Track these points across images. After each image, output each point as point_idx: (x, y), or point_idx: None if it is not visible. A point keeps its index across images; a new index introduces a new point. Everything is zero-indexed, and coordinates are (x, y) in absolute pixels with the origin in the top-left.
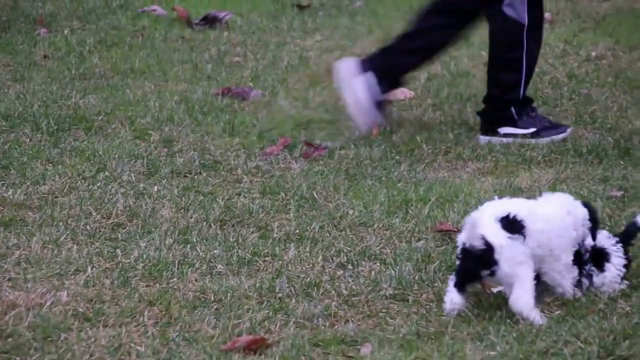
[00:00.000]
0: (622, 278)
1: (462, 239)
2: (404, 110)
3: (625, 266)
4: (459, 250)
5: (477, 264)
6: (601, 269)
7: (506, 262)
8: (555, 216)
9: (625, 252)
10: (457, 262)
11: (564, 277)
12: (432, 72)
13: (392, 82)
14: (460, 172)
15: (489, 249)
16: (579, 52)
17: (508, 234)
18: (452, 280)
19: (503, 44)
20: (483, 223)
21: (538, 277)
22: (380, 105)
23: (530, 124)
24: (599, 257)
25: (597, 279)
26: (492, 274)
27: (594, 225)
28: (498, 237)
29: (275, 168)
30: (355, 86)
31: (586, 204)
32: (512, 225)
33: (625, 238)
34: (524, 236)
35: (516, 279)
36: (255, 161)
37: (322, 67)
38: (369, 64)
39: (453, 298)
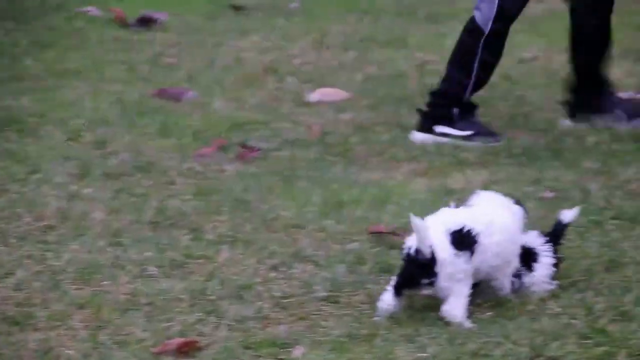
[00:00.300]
0: (552, 278)
1: (409, 243)
2: (340, 111)
3: (555, 265)
4: (404, 253)
5: (418, 272)
6: (530, 268)
7: (445, 277)
8: (508, 223)
9: (555, 252)
10: (401, 266)
11: (509, 279)
12: (367, 73)
13: None
14: (394, 173)
15: (432, 260)
16: (512, 53)
17: (454, 250)
18: (392, 281)
19: (462, 44)
20: (433, 233)
21: (477, 284)
22: None
23: (468, 127)
24: (528, 257)
25: (527, 278)
26: (431, 284)
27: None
28: (443, 251)
29: (209, 170)
30: None
31: (517, 202)
32: (462, 240)
33: (554, 237)
34: (473, 252)
35: (452, 293)
36: (189, 163)
37: (258, 68)
38: None
39: (388, 299)
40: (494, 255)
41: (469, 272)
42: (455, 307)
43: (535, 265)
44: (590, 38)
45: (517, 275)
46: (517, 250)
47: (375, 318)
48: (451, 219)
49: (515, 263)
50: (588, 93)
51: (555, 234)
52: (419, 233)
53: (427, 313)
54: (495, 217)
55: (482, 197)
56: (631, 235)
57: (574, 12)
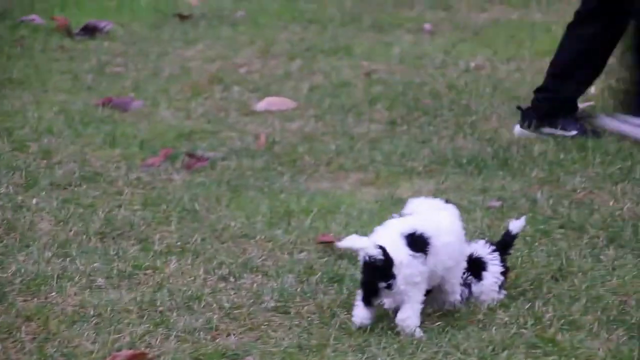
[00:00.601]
0: (500, 287)
1: (363, 251)
2: (287, 120)
3: (503, 274)
4: (361, 263)
5: (375, 276)
6: (479, 277)
7: (403, 279)
8: (452, 224)
9: (503, 261)
10: (361, 276)
11: (459, 283)
12: (314, 82)
13: None
14: (342, 182)
15: (389, 262)
16: (458, 62)
17: (410, 252)
18: (359, 294)
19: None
20: (387, 237)
21: (429, 291)
22: None
23: (572, 127)
24: (476, 266)
25: (475, 287)
26: (389, 287)
27: None
28: (400, 252)
29: (157, 179)
30: None
31: (447, 200)
32: (416, 242)
33: (502, 247)
34: (427, 255)
35: (407, 299)
36: (137, 172)
37: (204, 77)
38: None
39: (360, 313)
40: (446, 257)
41: (424, 274)
42: (410, 315)
43: (484, 274)
44: None
45: (466, 284)
46: (464, 251)
47: (325, 329)
48: (403, 224)
49: (464, 264)
50: None
51: (504, 244)
52: (373, 239)
53: (376, 323)
54: (441, 220)
55: (417, 203)
56: (578, 244)
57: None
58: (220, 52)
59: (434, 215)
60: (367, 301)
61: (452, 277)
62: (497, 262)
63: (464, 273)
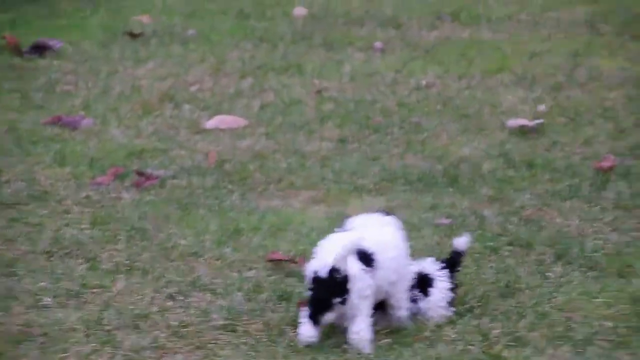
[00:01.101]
0: (449, 304)
1: (312, 268)
2: (237, 138)
3: (452, 290)
4: (309, 279)
5: (329, 292)
6: (426, 293)
7: (357, 293)
8: (397, 239)
9: (451, 278)
10: (309, 293)
11: (406, 297)
12: (265, 100)
13: None
14: (293, 200)
15: (343, 277)
16: (409, 80)
17: (362, 266)
18: (304, 312)
19: None
20: (338, 252)
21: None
22: None
23: None
24: (424, 283)
25: (423, 303)
26: (344, 302)
27: None
28: (353, 267)
29: (106, 198)
30: None
31: (388, 213)
32: (366, 257)
33: (450, 264)
34: (374, 269)
35: (358, 313)
36: (86, 191)
37: (154, 96)
38: None
39: (307, 331)
40: (390, 271)
41: (373, 288)
42: (363, 328)
43: (431, 291)
44: None
45: (414, 300)
46: (408, 265)
47: (273, 347)
48: (350, 240)
49: (409, 279)
50: None
51: (452, 261)
52: (341, 251)
53: (324, 340)
54: (383, 235)
55: (359, 219)
56: (526, 261)
57: None
58: (171, 70)
59: (376, 230)
60: (315, 319)
61: (397, 291)
62: (445, 278)
63: (411, 289)
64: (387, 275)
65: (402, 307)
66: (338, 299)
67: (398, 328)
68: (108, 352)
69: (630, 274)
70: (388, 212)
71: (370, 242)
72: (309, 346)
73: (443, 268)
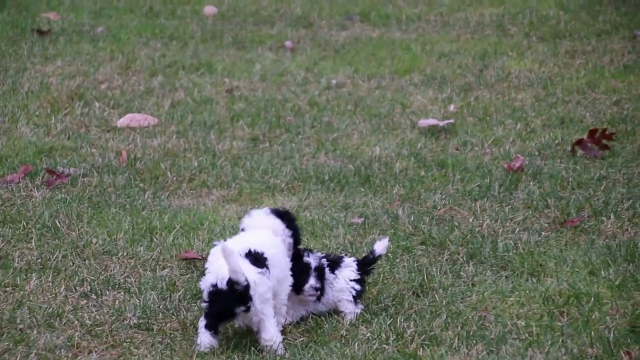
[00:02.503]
0: (356, 298)
1: (210, 281)
2: (148, 137)
3: (359, 283)
4: (207, 293)
5: (234, 302)
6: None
7: (259, 298)
8: (275, 237)
9: (360, 273)
10: (206, 305)
11: (287, 294)
12: (175, 98)
13: None
14: (205, 199)
15: (245, 286)
16: (319, 80)
17: (258, 269)
18: (202, 322)
19: None
20: (232, 261)
21: None
22: None
23: None
24: (330, 268)
25: (329, 291)
26: (248, 310)
27: (295, 232)
28: (251, 273)
29: (16, 196)
30: None
31: (279, 213)
32: (258, 259)
33: (364, 262)
34: (268, 268)
35: (263, 316)
36: None
37: (64, 94)
38: None
39: (206, 341)
40: (277, 269)
41: (272, 288)
42: (273, 332)
43: (337, 276)
44: None
45: (317, 288)
46: (289, 263)
47: (189, 346)
48: (237, 246)
49: (290, 280)
50: None
51: (366, 260)
52: (231, 262)
53: (240, 339)
54: (262, 234)
55: (248, 219)
56: (439, 260)
57: None
58: (81, 68)
59: (255, 231)
60: (214, 328)
61: (282, 291)
62: (353, 270)
63: (318, 274)
64: (276, 273)
65: (281, 313)
66: (242, 308)
67: (314, 327)
68: (21, 351)
69: (541, 274)
70: (279, 210)
71: (253, 243)
72: (226, 344)
73: (356, 262)
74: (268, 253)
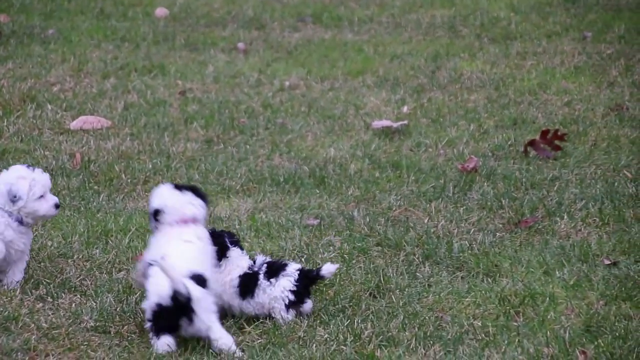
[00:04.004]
0: (288, 307)
1: (154, 300)
2: (102, 139)
3: (295, 294)
4: (151, 312)
5: (178, 316)
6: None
7: (203, 312)
8: (200, 232)
9: (298, 285)
10: (151, 324)
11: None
12: (128, 100)
13: None
14: None
15: (186, 299)
16: (273, 81)
17: (200, 288)
18: (152, 331)
19: None
20: (175, 276)
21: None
22: None
23: None
24: (270, 274)
25: (261, 293)
26: (191, 321)
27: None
28: (194, 289)
29: None
30: None
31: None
32: (200, 281)
33: (306, 276)
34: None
35: (210, 324)
36: None
37: (15, 96)
38: None
39: (164, 344)
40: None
41: (214, 299)
42: (222, 334)
43: (274, 283)
44: None
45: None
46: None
47: (147, 349)
48: (180, 261)
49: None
50: None
51: (310, 276)
52: (172, 276)
53: (195, 341)
54: (192, 245)
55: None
56: (395, 261)
57: None
58: (32, 70)
59: (179, 235)
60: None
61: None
62: (291, 280)
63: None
64: (216, 287)
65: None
66: (186, 320)
67: (271, 328)
68: None
69: (497, 274)
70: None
71: (191, 260)
72: (185, 346)
73: (298, 272)
74: (204, 265)
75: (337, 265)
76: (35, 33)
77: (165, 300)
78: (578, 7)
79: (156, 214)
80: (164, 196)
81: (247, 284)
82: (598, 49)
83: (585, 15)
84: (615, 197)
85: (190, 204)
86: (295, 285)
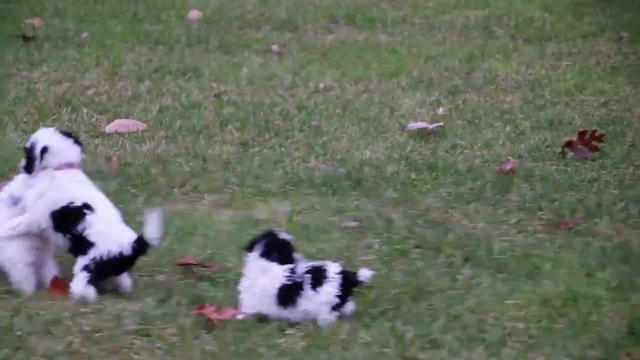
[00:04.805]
0: (334, 308)
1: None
2: (137, 142)
3: (340, 298)
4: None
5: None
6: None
7: None
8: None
9: (342, 289)
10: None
11: None
12: (163, 103)
13: None
14: (197, 204)
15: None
16: (307, 83)
17: None
18: (84, 275)
19: None
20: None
21: None
22: None
23: None
24: (315, 279)
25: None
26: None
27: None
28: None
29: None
30: None
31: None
32: None
33: (348, 280)
34: None
35: None
36: None
37: (50, 100)
38: None
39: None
40: None
41: None
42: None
43: (319, 289)
44: None
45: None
46: None
47: (189, 351)
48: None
49: None
50: None
51: (351, 280)
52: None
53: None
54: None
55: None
56: (435, 263)
57: None
58: (67, 73)
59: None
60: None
61: None
62: (336, 284)
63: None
64: None
65: None
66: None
67: (313, 331)
68: (21, 358)
69: (538, 276)
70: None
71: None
72: (224, 350)
73: (339, 274)
74: None
75: (372, 272)
76: (69, 37)
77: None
78: (614, 7)
79: (43, 152)
80: (51, 137)
81: (288, 294)
82: (634, 49)
83: (621, 15)
84: None
85: (72, 148)
86: (339, 289)
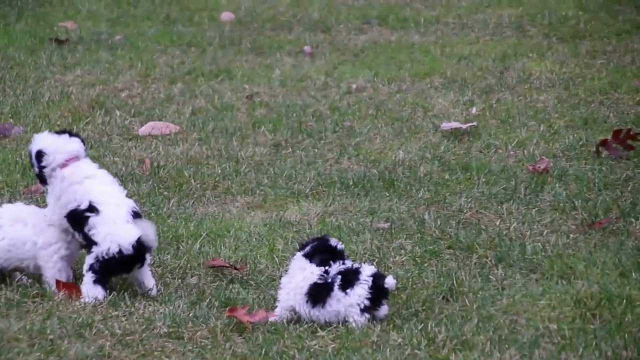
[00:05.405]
0: (363, 311)
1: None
2: (170, 145)
3: (370, 300)
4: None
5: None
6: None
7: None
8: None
9: (372, 293)
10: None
11: None
12: (196, 105)
13: None
14: (230, 206)
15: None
16: (339, 84)
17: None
18: (91, 277)
19: None
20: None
21: None
22: None
23: None
24: (347, 280)
25: (338, 300)
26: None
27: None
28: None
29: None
30: None
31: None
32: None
33: (378, 284)
34: None
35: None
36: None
37: (84, 102)
38: None
39: (100, 292)
40: None
41: None
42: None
43: (350, 291)
44: None
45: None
46: None
47: (220, 353)
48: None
49: None
50: None
51: (379, 287)
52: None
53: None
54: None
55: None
56: (467, 264)
57: None
58: (100, 76)
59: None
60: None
61: None
62: (366, 287)
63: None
64: None
65: None
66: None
67: (344, 333)
68: None
69: (571, 276)
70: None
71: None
72: (253, 353)
73: (371, 277)
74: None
75: (395, 281)
76: (103, 39)
77: (128, 249)
78: None
79: (39, 156)
80: (42, 140)
81: (318, 294)
82: None
83: None
84: None
85: (69, 143)
86: (371, 293)
